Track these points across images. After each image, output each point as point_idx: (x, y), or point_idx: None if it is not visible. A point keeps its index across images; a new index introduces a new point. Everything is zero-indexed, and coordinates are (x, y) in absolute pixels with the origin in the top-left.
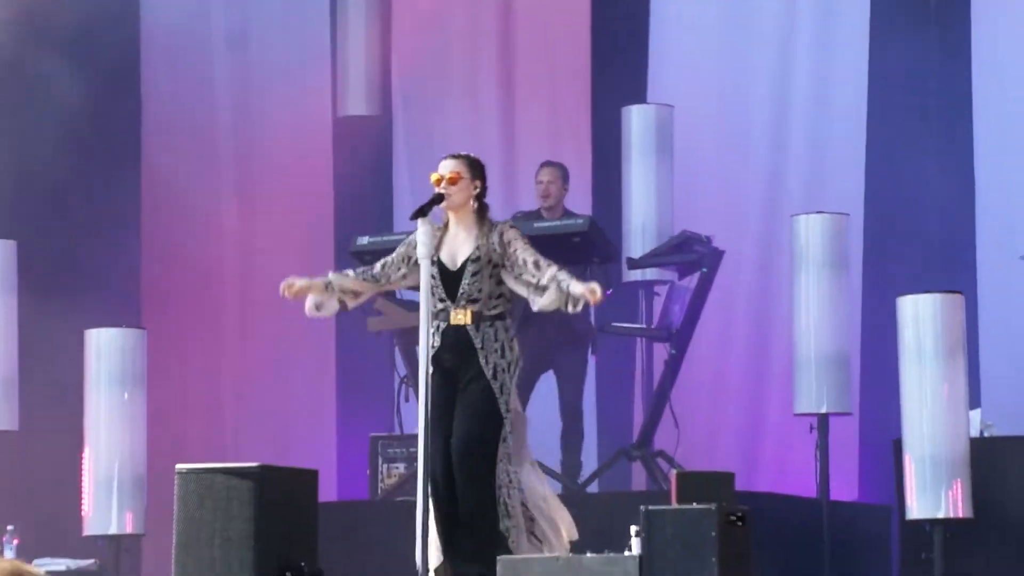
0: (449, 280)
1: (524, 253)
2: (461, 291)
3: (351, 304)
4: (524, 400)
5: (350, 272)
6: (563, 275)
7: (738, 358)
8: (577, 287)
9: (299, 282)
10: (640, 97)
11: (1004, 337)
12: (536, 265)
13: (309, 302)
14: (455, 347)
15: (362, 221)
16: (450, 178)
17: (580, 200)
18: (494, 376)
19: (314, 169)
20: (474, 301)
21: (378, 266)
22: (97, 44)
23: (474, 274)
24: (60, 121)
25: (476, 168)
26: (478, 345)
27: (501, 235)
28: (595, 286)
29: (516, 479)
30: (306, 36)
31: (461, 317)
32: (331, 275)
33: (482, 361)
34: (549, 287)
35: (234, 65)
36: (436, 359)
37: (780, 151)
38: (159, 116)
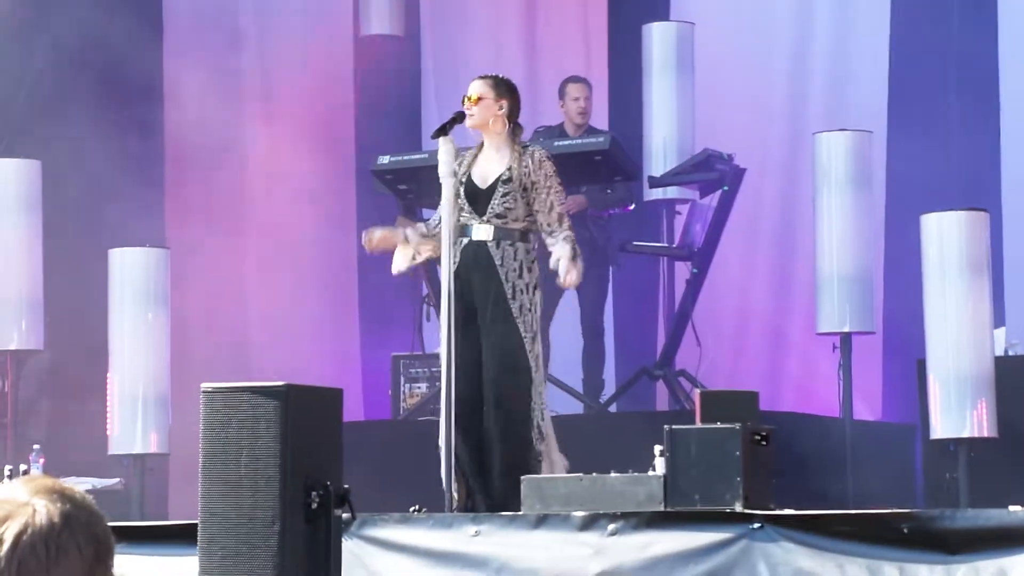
0: (477, 197)
1: (553, 197)
2: (490, 208)
3: (423, 257)
4: (547, 319)
5: (420, 225)
6: (567, 246)
7: (760, 277)
8: (563, 265)
9: (377, 233)
10: (662, 15)
11: None
12: (559, 219)
13: (399, 260)
14: (474, 264)
15: (385, 141)
16: (473, 99)
17: (597, 118)
18: (513, 296)
19: (336, 89)
20: (500, 217)
21: (435, 217)
22: None
23: (505, 194)
24: (82, 43)
25: (502, 88)
26: (497, 262)
27: (540, 162)
28: (573, 279)
29: (546, 406)
30: None
31: (483, 233)
32: (408, 231)
33: (501, 277)
34: (556, 245)
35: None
36: (456, 275)
37: (803, 68)
38: (181, 36)
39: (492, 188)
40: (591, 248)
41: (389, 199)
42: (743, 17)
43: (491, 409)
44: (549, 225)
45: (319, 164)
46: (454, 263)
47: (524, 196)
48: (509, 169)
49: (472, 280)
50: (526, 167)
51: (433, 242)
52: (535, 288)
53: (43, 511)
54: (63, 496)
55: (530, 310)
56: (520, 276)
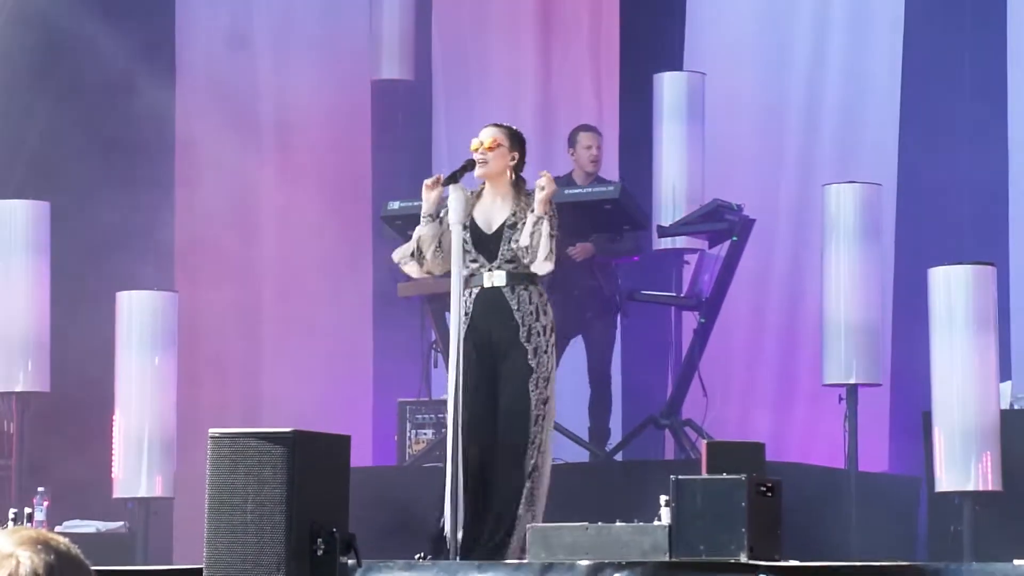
0: (484, 243)
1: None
2: (501, 254)
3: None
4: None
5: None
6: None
7: (768, 327)
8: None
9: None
10: (675, 64)
11: None
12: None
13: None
14: (490, 311)
15: (399, 185)
16: (489, 145)
17: (608, 166)
18: (528, 339)
19: (352, 132)
20: (510, 262)
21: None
22: (132, 5)
23: (510, 238)
24: (94, 82)
25: (516, 139)
26: (513, 307)
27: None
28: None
29: (544, 466)
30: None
31: (497, 279)
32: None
33: (518, 320)
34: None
35: (271, 27)
36: (471, 326)
37: (813, 121)
38: (194, 77)
39: (499, 233)
40: (598, 296)
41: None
42: (754, 67)
43: (500, 453)
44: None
45: (334, 208)
46: (467, 313)
47: None
48: (514, 214)
49: (489, 327)
50: (528, 210)
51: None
52: (551, 330)
53: (27, 562)
54: (47, 547)
55: (546, 351)
56: (537, 319)
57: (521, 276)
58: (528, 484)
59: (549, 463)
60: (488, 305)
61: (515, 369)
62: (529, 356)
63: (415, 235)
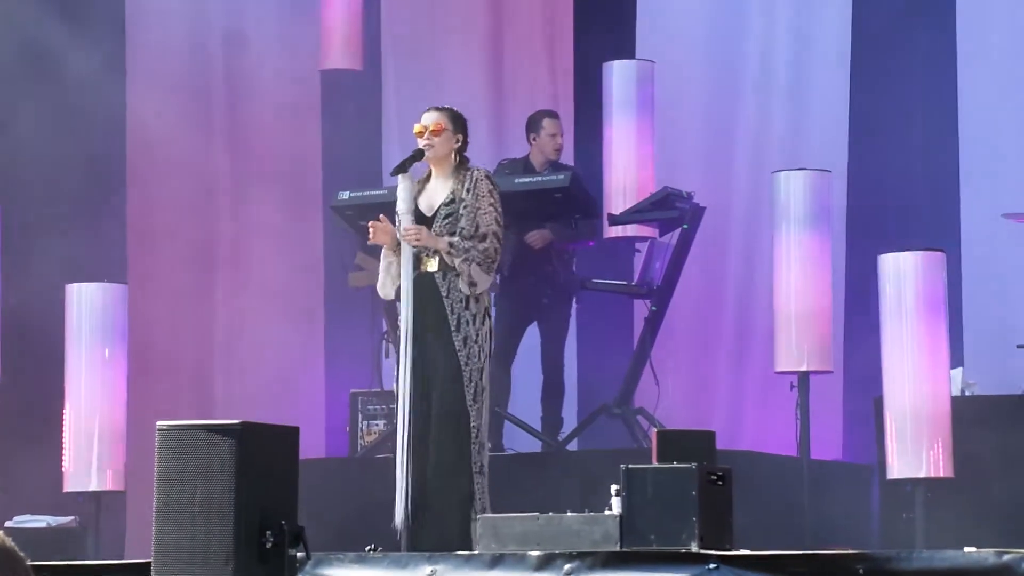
0: (424, 226)
1: (480, 217)
2: (434, 233)
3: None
4: (511, 352)
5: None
6: (459, 247)
7: (720, 315)
8: (424, 233)
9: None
10: (627, 53)
11: (987, 296)
12: (482, 238)
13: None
14: (423, 297)
15: (350, 176)
16: (433, 129)
17: (563, 153)
18: (457, 328)
19: (303, 123)
20: None
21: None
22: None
23: (446, 217)
24: (43, 74)
25: (458, 121)
26: (443, 293)
27: (476, 181)
28: (410, 235)
29: (485, 464)
30: None
31: (431, 265)
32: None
33: (447, 308)
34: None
35: (222, 16)
36: (412, 308)
37: (763, 108)
38: (145, 68)
39: (435, 215)
40: (554, 283)
41: (352, 237)
42: (703, 54)
43: (432, 442)
44: (469, 239)
45: (285, 199)
46: (410, 298)
47: (466, 217)
48: (452, 192)
49: (421, 313)
50: (463, 186)
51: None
52: (483, 318)
53: None
54: None
55: (476, 341)
56: (467, 307)
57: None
58: (475, 486)
59: (487, 455)
60: (422, 291)
61: (445, 364)
62: (458, 347)
63: (383, 270)
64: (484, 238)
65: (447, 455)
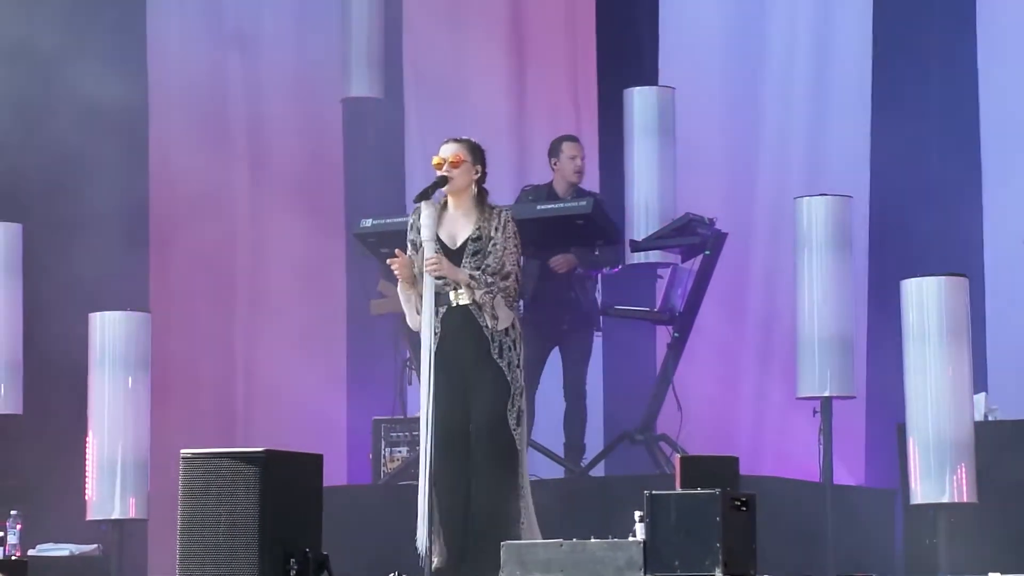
0: (450, 260)
1: (506, 257)
2: (463, 268)
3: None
4: (535, 378)
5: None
6: (481, 282)
7: (742, 341)
8: (445, 263)
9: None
10: (650, 79)
11: (1010, 321)
12: (504, 277)
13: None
14: (459, 329)
15: (372, 203)
16: (452, 161)
17: (587, 179)
18: (500, 354)
19: (324, 150)
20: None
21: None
22: (104, 26)
23: (475, 253)
24: (68, 103)
25: (477, 153)
26: (482, 323)
27: (504, 222)
28: (432, 266)
29: (527, 487)
30: (315, 17)
31: (464, 298)
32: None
33: (488, 337)
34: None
35: (243, 47)
36: (440, 347)
37: (785, 134)
38: (167, 96)
39: (462, 249)
40: (575, 309)
41: (373, 263)
42: (725, 80)
43: (479, 466)
44: (492, 275)
45: (307, 227)
46: (437, 333)
47: (493, 255)
48: (478, 228)
49: (460, 345)
50: (492, 225)
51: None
52: (521, 343)
53: None
54: None
55: (518, 366)
56: (506, 334)
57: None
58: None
59: (528, 481)
60: (457, 324)
61: (493, 389)
62: (505, 373)
63: (405, 303)
64: (507, 277)
65: (496, 480)
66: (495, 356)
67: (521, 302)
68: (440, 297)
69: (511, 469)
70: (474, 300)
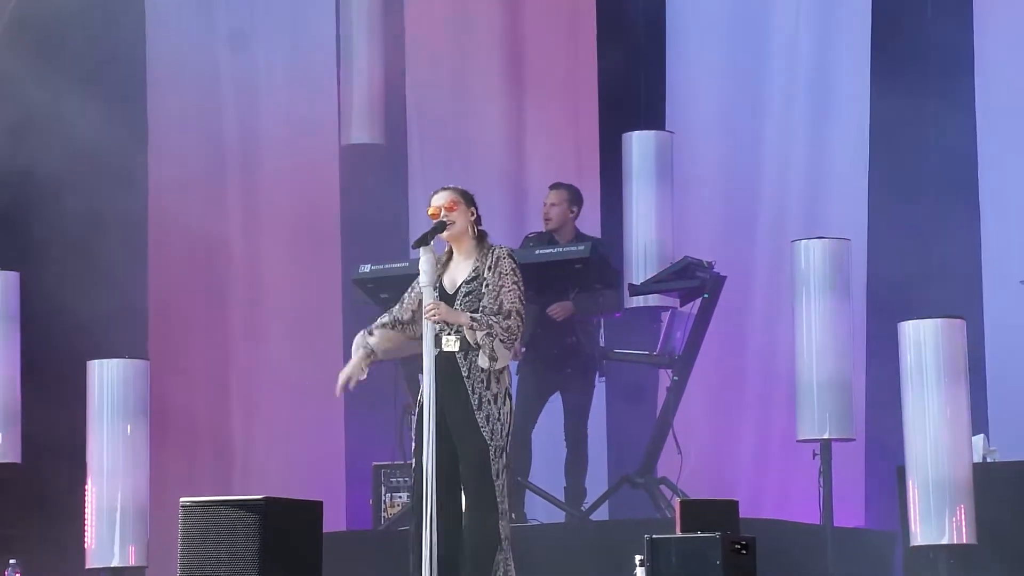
0: (446, 304)
1: (504, 295)
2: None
3: (389, 356)
4: (532, 421)
5: (374, 332)
6: (482, 323)
7: (741, 384)
8: (446, 309)
9: (342, 378)
10: (652, 123)
11: (1010, 362)
12: (506, 316)
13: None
14: (445, 376)
15: (370, 249)
16: (447, 207)
17: (590, 224)
18: (479, 407)
19: (321, 197)
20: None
21: (386, 316)
22: (103, 71)
23: (466, 294)
24: (65, 148)
25: (468, 197)
26: (464, 373)
27: (498, 259)
28: (431, 314)
29: (508, 537)
30: (312, 64)
31: (451, 344)
32: (367, 342)
33: (468, 390)
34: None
35: (240, 92)
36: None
37: (783, 177)
38: (165, 143)
39: (455, 293)
40: (577, 355)
41: (374, 310)
42: (725, 124)
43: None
44: (494, 315)
45: (304, 273)
46: (432, 372)
47: (489, 295)
48: (475, 270)
49: (444, 392)
50: (486, 263)
51: (394, 336)
52: (504, 398)
53: None
54: None
55: (498, 419)
56: (488, 387)
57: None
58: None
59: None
60: (443, 370)
61: (472, 447)
62: (482, 426)
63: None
64: (508, 316)
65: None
66: (475, 408)
67: (522, 347)
68: (437, 339)
69: (492, 521)
70: (472, 342)
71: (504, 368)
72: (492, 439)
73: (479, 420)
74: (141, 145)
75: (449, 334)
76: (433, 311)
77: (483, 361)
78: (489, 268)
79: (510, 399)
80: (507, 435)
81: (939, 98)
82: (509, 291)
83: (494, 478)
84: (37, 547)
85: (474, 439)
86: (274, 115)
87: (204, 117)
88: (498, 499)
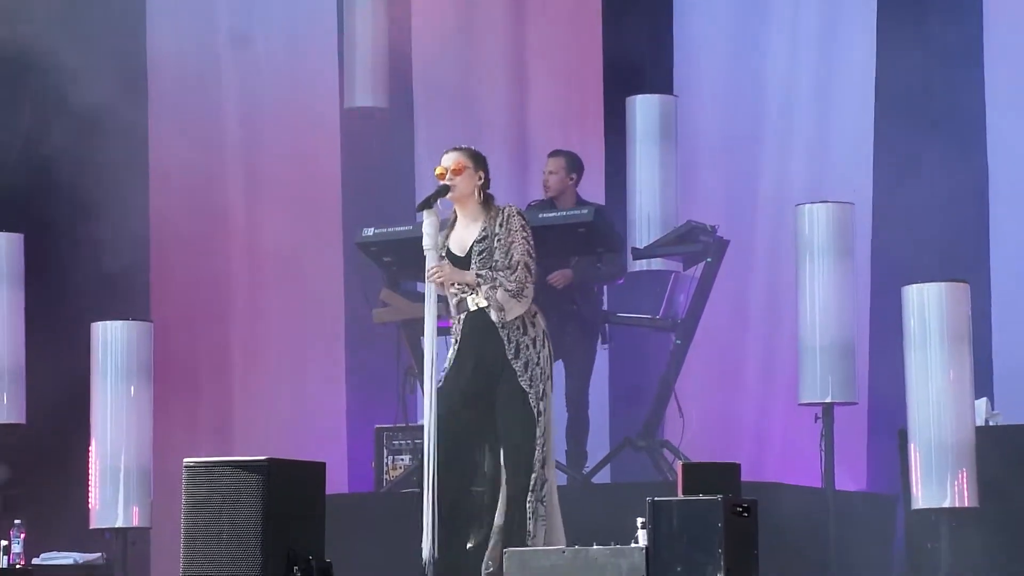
0: (461, 267)
1: (515, 248)
2: (473, 272)
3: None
4: None
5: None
6: (490, 280)
7: (744, 348)
8: (462, 273)
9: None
10: (655, 87)
11: (1017, 326)
12: (514, 268)
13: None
14: (478, 332)
15: (374, 213)
16: (454, 169)
17: (593, 190)
18: (516, 355)
19: (322, 160)
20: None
21: None
22: (104, 39)
23: (480, 253)
24: (68, 115)
25: (478, 159)
26: (497, 324)
27: (508, 217)
28: (435, 275)
29: (549, 486)
30: (313, 27)
31: (479, 302)
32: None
33: (504, 337)
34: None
35: (240, 57)
36: (460, 351)
37: (786, 140)
38: (166, 108)
39: (469, 253)
40: (577, 321)
41: (375, 272)
42: (727, 87)
43: (507, 464)
44: (504, 270)
45: (305, 237)
46: (457, 339)
47: (500, 251)
48: (484, 231)
49: (478, 349)
50: (499, 223)
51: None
52: (543, 342)
53: None
54: None
55: (537, 364)
56: (524, 332)
57: None
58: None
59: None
60: (476, 327)
61: (510, 393)
62: (519, 375)
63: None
64: (515, 268)
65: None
66: (511, 357)
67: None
68: (460, 304)
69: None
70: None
71: (536, 311)
72: (531, 387)
73: (517, 369)
74: (143, 108)
75: (469, 293)
76: (437, 273)
77: (493, 315)
78: (500, 225)
79: (548, 341)
80: (547, 379)
81: (946, 57)
82: (519, 244)
83: (537, 424)
84: (41, 507)
85: (512, 388)
86: (274, 77)
87: (204, 78)
88: (537, 444)
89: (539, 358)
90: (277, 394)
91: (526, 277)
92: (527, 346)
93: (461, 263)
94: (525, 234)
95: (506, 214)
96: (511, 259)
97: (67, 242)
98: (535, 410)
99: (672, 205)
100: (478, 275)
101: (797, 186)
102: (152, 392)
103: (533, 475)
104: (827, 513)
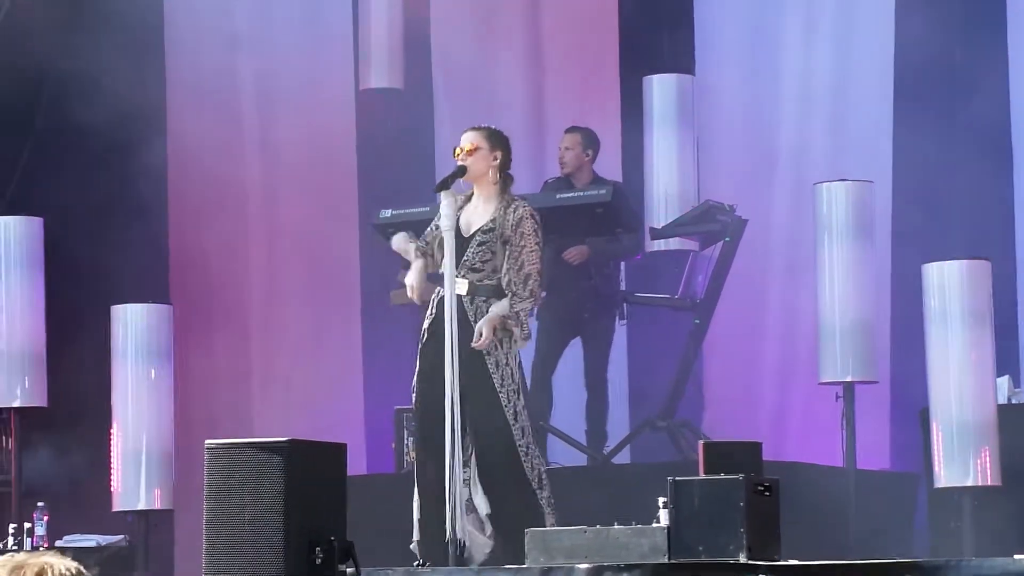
0: (459, 247)
1: (524, 256)
2: (464, 260)
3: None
4: (552, 365)
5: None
6: (504, 307)
7: (764, 327)
8: (483, 326)
9: (411, 287)
10: (676, 66)
11: None
12: (524, 281)
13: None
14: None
15: (387, 194)
16: (468, 150)
17: (610, 168)
18: (488, 352)
19: (338, 143)
20: (475, 271)
21: (420, 241)
22: (121, 20)
23: (480, 243)
24: (85, 99)
25: (495, 139)
26: (471, 317)
27: (519, 219)
28: (479, 342)
29: (541, 471)
30: (329, 8)
31: (460, 288)
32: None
33: (471, 324)
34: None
35: (257, 37)
36: (432, 332)
37: (805, 118)
38: (183, 92)
39: (471, 238)
40: (594, 298)
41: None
42: (745, 66)
43: (477, 464)
44: (512, 285)
45: (321, 219)
46: (430, 316)
47: (502, 250)
48: (493, 220)
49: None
50: (508, 219)
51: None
52: (510, 342)
53: (59, 565)
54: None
55: (507, 364)
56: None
57: (483, 288)
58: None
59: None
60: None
61: (482, 388)
62: (491, 370)
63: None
64: (527, 279)
65: (497, 475)
66: (485, 352)
67: (543, 293)
68: (442, 281)
69: (512, 466)
70: (472, 291)
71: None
72: (503, 384)
73: (489, 366)
74: (160, 91)
75: (458, 277)
76: (484, 343)
77: (519, 342)
78: (512, 227)
79: (514, 344)
80: (520, 377)
81: (968, 31)
82: (531, 252)
83: (511, 421)
84: (64, 490)
85: (483, 386)
86: (290, 58)
87: (220, 61)
88: (518, 444)
89: (507, 357)
90: (295, 375)
91: (537, 285)
92: (495, 345)
93: (461, 244)
94: (538, 239)
95: (518, 215)
96: (522, 266)
97: (86, 225)
98: (512, 407)
99: (690, 185)
100: (516, 316)
101: (816, 164)
102: (172, 374)
103: (533, 473)
104: (849, 492)
